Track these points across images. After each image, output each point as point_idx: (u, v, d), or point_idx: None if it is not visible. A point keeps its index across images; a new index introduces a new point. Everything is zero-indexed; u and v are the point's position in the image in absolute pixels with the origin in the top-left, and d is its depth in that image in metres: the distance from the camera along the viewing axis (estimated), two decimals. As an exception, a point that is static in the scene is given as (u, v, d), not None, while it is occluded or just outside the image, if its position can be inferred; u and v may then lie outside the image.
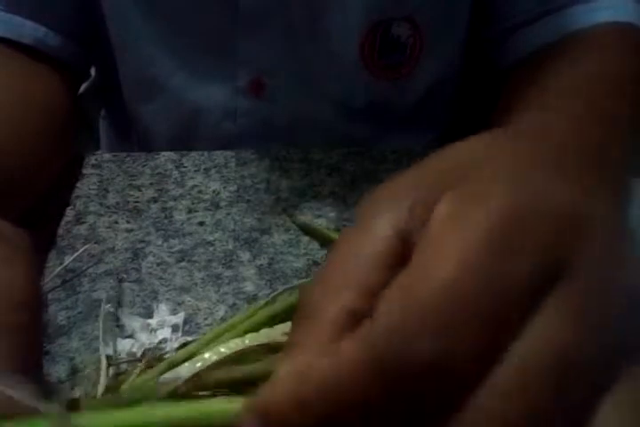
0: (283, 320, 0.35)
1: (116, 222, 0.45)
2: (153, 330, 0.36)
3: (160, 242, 0.43)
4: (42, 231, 0.44)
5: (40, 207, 0.45)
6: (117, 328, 0.37)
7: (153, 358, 0.33)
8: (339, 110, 0.54)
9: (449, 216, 0.18)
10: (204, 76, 0.52)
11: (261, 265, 0.42)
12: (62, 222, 0.44)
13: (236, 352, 0.31)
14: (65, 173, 0.48)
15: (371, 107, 0.54)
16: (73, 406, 0.28)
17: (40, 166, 0.44)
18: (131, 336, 0.36)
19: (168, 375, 0.31)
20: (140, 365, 0.33)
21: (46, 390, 0.33)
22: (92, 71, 0.61)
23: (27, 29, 0.47)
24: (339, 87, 0.53)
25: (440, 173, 0.20)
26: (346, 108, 0.54)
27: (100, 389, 0.31)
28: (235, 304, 0.39)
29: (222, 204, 0.46)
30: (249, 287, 0.40)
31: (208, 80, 0.53)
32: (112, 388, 0.32)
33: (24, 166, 0.42)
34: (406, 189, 0.20)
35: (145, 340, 0.35)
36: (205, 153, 0.51)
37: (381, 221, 0.20)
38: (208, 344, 0.33)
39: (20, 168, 0.41)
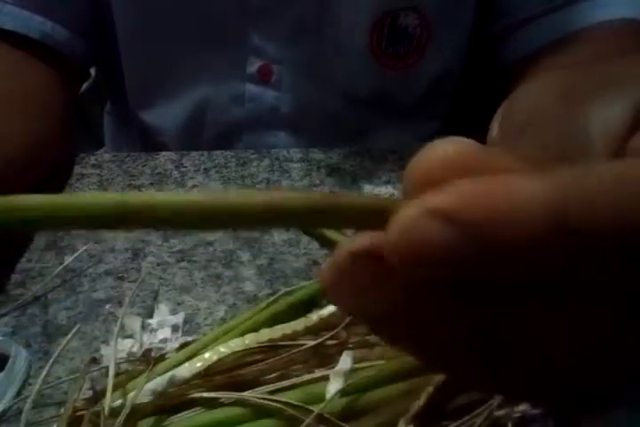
0: (283, 320, 0.35)
1: (116, 222, 0.44)
2: (153, 330, 0.36)
3: (160, 242, 0.43)
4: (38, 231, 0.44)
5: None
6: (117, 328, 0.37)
7: (153, 358, 0.33)
8: (344, 99, 0.54)
9: None
10: (214, 62, 0.53)
11: (261, 265, 0.41)
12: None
13: (235, 352, 0.31)
14: (58, 172, 0.48)
15: (376, 97, 0.54)
16: None
17: (30, 163, 0.44)
18: (131, 336, 0.36)
19: (168, 375, 0.31)
20: (140, 365, 0.33)
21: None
22: (92, 71, 0.61)
23: (35, 23, 0.47)
24: (345, 76, 0.53)
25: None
26: (351, 97, 0.54)
27: (109, 388, 0.30)
28: (235, 304, 0.39)
29: (222, 204, 0.46)
30: (249, 287, 0.40)
31: (217, 67, 0.53)
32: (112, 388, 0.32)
33: (16, 160, 0.42)
34: None
35: (145, 340, 0.35)
36: (205, 153, 0.50)
37: None
38: (208, 344, 0.33)
39: (11, 162, 0.42)
